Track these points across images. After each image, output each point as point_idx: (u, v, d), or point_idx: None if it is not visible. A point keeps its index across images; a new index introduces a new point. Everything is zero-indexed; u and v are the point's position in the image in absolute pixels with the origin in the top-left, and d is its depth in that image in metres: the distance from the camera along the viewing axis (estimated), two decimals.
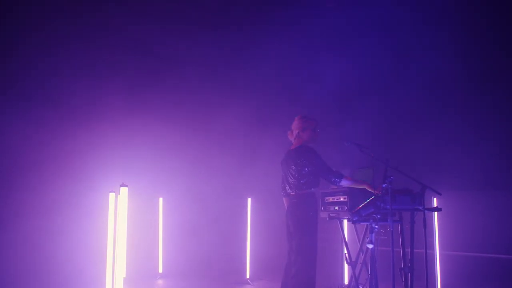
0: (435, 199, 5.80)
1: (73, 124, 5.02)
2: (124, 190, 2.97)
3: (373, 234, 3.52)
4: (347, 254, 4.61)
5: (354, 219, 3.87)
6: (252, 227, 6.44)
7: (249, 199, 6.51)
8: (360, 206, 3.86)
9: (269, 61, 6.75)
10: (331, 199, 4.60)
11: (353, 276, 4.48)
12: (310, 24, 6.79)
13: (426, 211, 3.82)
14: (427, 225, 5.58)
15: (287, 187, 4.10)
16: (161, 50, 5.93)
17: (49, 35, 4.69)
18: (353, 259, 4.57)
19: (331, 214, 4.51)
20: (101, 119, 5.95)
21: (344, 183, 3.97)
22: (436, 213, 5.81)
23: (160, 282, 6.64)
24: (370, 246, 3.58)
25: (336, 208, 4.48)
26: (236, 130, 6.96)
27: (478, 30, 5.89)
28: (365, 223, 3.97)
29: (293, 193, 4.00)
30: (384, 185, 3.53)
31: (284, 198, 4.22)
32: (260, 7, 6.87)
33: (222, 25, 6.56)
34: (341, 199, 4.41)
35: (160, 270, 6.93)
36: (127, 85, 6.03)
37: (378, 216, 3.51)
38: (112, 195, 3.77)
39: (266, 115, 6.77)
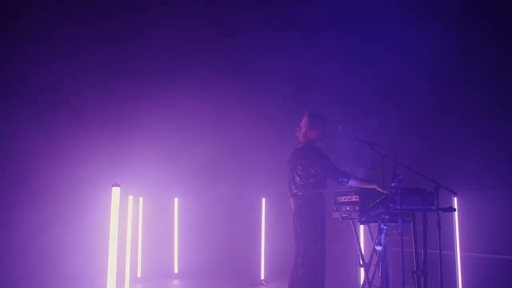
0: (455, 198, 5.58)
1: (86, 126, 5.04)
2: (116, 190, 2.93)
3: (382, 235, 3.36)
4: (360, 256, 4.47)
5: (362, 220, 3.73)
6: (266, 228, 6.35)
7: (263, 199, 6.43)
8: (370, 206, 3.71)
9: (283, 61, 6.66)
10: (343, 199, 4.48)
11: (366, 278, 4.34)
12: (327, 23, 6.65)
13: (439, 211, 3.62)
14: (444, 225, 5.47)
15: (294, 188, 3.98)
16: (172, 47, 5.90)
17: (56, 38, 4.70)
18: (368, 260, 4.43)
19: (343, 215, 4.39)
20: (117, 121, 5.97)
21: (352, 183, 3.83)
22: (456, 213, 5.60)
23: (175, 282, 6.64)
24: (379, 248, 3.43)
25: (348, 208, 4.35)
26: (251, 130, 6.88)
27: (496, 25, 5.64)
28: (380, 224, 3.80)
29: (300, 194, 3.88)
30: (393, 184, 3.37)
31: (290, 199, 4.10)
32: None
33: (236, 25, 6.49)
34: (353, 199, 4.28)
35: (176, 270, 6.94)
36: (138, 87, 6.04)
37: (387, 217, 3.35)
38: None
39: (281, 115, 6.66)
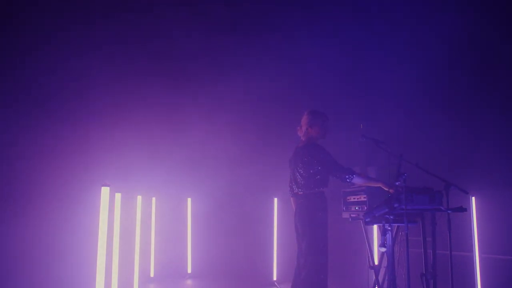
0: (473, 198, 5.38)
1: (91, 126, 5.04)
2: (105, 190, 2.90)
3: (386, 236, 3.23)
4: (370, 257, 4.33)
5: (366, 220, 3.60)
6: (278, 228, 6.28)
7: (275, 199, 6.36)
8: (375, 206, 3.58)
9: (295, 60, 6.56)
10: (352, 198, 4.36)
11: (376, 282, 4.20)
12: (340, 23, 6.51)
13: (449, 211, 3.46)
14: (462, 226, 5.28)
15: (295, 187, 3.88)
16: (178, 47, 5.86)
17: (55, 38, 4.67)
18: (378, 262, 4.29)
19: (351, 215, 4.27)
20: (130, 123, 5.97)
21: (357, 180, 3.70)
22: (474, 213, 5.40)
23: (188, 282, 6.63)
24: (383, 249, 3.30)
25: (357, 208, 4.23)
26: (263, 130, 6.81)
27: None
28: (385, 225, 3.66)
29: (301, 193, 3.78)
30: (397, 183, 3.23)
31: (291, 198, 3.99)
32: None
33: (246, 21, 6.41)
34: (362, 198, 4.16)
35: (189, 270, 6.93)
36: (146, 89, 6.03)
37: (391, 217, 3.22)
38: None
39: (293, 115, 6.55)
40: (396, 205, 3.24)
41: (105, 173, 3.94)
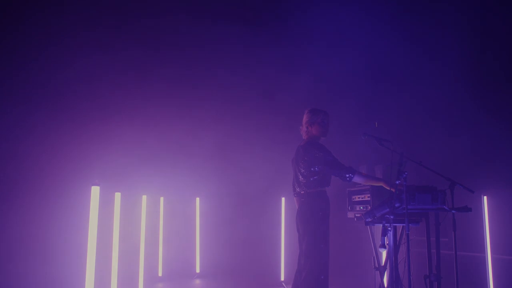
0: (485, 198, 5.23)
1: (97, 127, 5.06)
2: (95, 190, 2.89)
3: (385, 237, 3.13)
4: (375, 258, 4.24)
5: (367, 220, 3.51)
6: (286, 227, 6.21)
7: (283, 199, 6.30)
8: (376, 206, 3.49)
9: (301, 60, 6.49)
10: (357, 198, 4.28)
11: (381, 284, 4.11)
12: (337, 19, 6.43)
13: (454, 211, 3.35)
14: (474, 226, 5.13)
15: (297, 186, 3.81)
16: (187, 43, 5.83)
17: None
18: (384, 263, 4.20)
19: (356, 214, 4.19)
20: (139, 124, 5.98)
21: (357, 179, 3.61)
22: (486, 213, 5.25)
23: (197, 281, 6.62)
24: (383, 250, 3.20)
25: (361, 207, 4.16)
26: (270, 130, 6.76)
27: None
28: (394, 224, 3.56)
29: (303, 192, 3.71)
30: (397, 182, 3.13)
31: (294, 198, 3.92)
32: None
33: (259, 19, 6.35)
34: (366, 198, 4.09)
35: (197, 270, 6.92)
36: (157, 90, 6.04)
37: (392, 217, 3.12)
38: (117, 195, 3.74)
39: (301, 114, 6.48)
40: (397, 204, 3.15)
41: (105, 173, 3.94)
